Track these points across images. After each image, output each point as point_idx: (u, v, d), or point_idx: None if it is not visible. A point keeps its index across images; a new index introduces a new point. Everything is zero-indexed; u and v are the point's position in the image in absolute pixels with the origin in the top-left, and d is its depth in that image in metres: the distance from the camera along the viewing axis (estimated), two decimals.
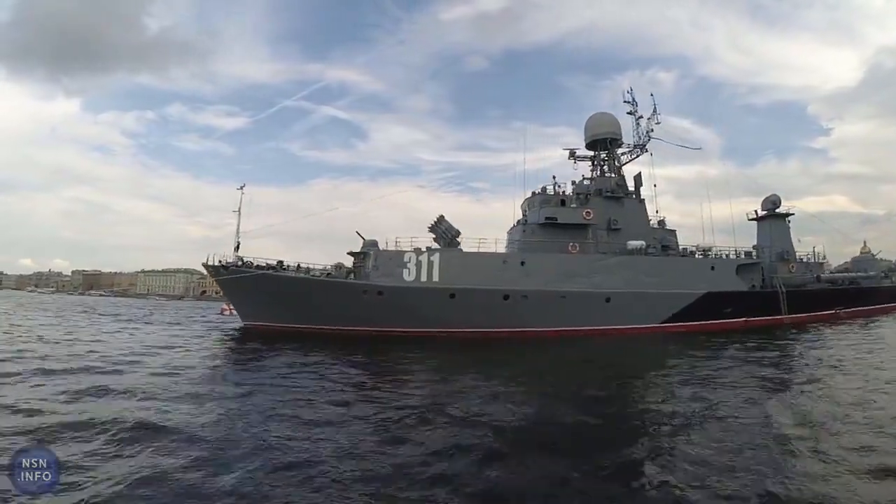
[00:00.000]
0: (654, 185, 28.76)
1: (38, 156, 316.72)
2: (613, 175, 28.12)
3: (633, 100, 29.56)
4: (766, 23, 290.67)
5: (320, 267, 24.98)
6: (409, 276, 22.33)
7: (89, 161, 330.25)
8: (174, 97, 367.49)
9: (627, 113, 29.56)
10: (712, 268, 25.64)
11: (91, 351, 15.05)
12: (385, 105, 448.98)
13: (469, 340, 20.64)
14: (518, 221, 27.15)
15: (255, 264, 23.80)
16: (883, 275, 33.28)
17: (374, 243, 24.03)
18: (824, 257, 32.43)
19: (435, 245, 23.97)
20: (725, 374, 11.96)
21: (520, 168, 63.76)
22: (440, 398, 9.50)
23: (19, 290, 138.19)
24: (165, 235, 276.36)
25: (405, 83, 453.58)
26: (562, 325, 22.24)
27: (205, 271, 26.16)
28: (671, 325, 23.62)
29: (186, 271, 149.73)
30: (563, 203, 25.35)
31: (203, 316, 38.86)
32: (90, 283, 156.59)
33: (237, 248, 24.20)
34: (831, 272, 32.81)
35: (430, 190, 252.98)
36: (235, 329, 25.17)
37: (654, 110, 29.00)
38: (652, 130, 28.87)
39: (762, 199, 32.71)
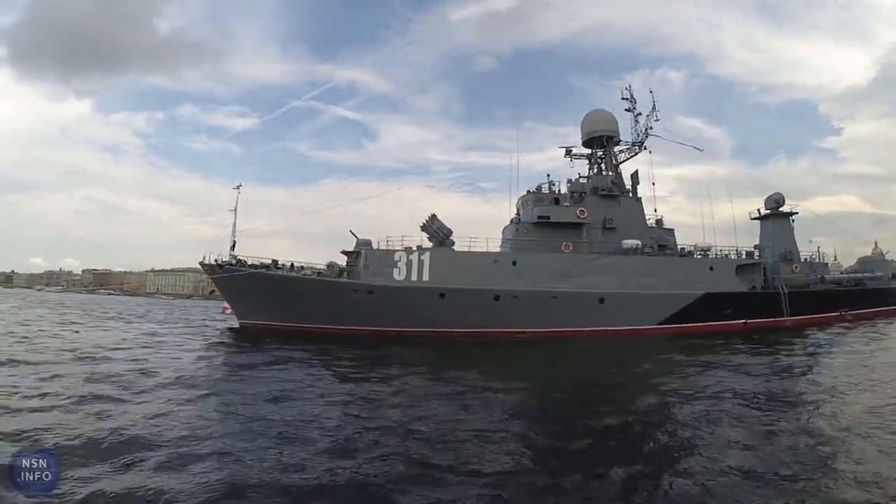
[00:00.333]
0: (653, 184, 28.11)
1: (49, 156, 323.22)
2: (610, 173, 27.61)
3: (632, 96, 29.03)
4: (778, 22, 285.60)
5: (319, 266, 24.91)
6: (399, 275, 22.10)
7: (101, 161, 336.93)
8: (185, 98, 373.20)
9: (626, 110, 29.03)
10: (711, 268, 25.05)
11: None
12: (394, 105, 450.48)
13: (458, 340, 20.37)
14: (512, 220, 26.79)
15: (248, 263, 23.80)
16: (892, 275, 32.31)
17: (368, 242, 23.86)
18: (835, 258, 31.68)
19: (429, 244, 23.73)
20: (697, 383, 11.34)
21: (526, 167, 63.25)
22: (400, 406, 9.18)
23: (29, 288, 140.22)
24: (176, 235, 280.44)
25: (415, 83, 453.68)
26: (553, 326, 21.78)
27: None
28: (667, 326, 23.08)
29: (196, 271, 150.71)
30: (556, 202, 24.93)
31: (204, 317, 38.65)
32: (100, 282, 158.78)
33: (233, 246, 24.29)
34: (842, 273, 31.98)
35: (439, 190, 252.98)
36: (218, 329, 25.04)
37: (654, 107, 28.42)
38: (651, 128, 28.33)
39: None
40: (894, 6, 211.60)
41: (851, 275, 31.07)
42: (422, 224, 24.11)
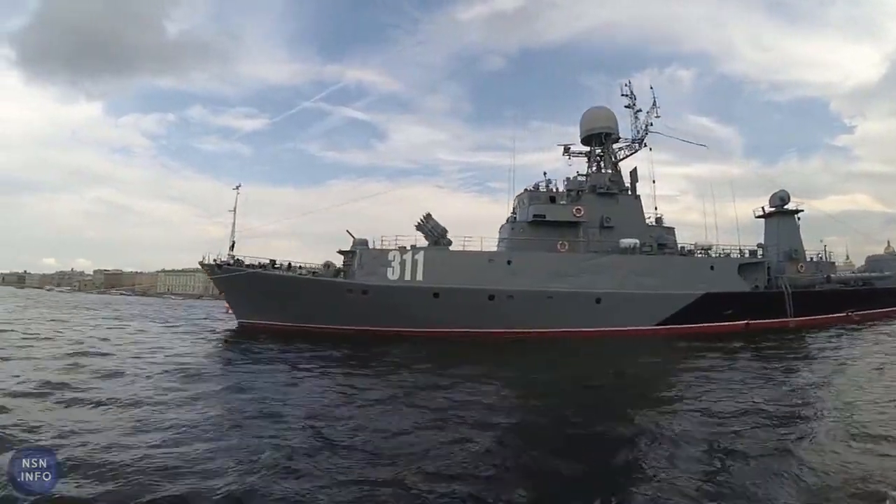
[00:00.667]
0: (654, 182, 27.67)
1: (60, 158, 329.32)
2: (609, 171, 27.22)
3: (631, 92, 28.60)
4: (787, 19, 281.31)
5: (317, 266, 24.94)
6: (392, 274, 22.01)
7: (111, 163, 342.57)
8: (194, 99, 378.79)
9: (626, 106, 28.63)
10: (712, 267, 24.53)
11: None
12: (404, 105, 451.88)
13: (453, 340, 20.18)
14: (508, 219, 26.54)
15: (246, 263, 23.94)
16: None
17: (364, 242, 23.81)
18: (847, 257, 30.91)
19: (425, 243, 23.57)
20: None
21: (530, 167, 62.91)
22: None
23: (39, 288, 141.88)
24: (186, 235, 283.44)
25: (424, 83, 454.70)
26: (548, 327, 21.49)
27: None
28: (665, 327, 22.66)
29: None
30: (552, 200, 24.62)
31: (205, 317, 39.10)
32: (111, 282, 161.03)
33: (232, 246, 24.54)
34: (853, 272, 31.16)
35: (448, 190, 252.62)
36: (212, 330, 25.13)
37: (654, 103, 28.02)
38: (651, 124, 27.91)
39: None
40: None
41: (859, 274, 30.27)
42: (416, 223, 24.02)
